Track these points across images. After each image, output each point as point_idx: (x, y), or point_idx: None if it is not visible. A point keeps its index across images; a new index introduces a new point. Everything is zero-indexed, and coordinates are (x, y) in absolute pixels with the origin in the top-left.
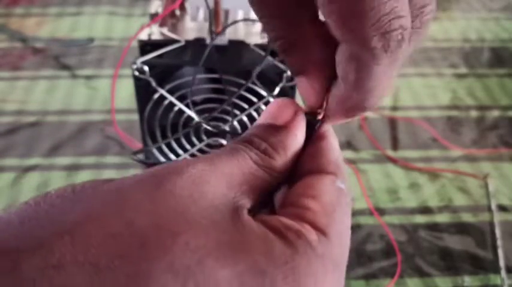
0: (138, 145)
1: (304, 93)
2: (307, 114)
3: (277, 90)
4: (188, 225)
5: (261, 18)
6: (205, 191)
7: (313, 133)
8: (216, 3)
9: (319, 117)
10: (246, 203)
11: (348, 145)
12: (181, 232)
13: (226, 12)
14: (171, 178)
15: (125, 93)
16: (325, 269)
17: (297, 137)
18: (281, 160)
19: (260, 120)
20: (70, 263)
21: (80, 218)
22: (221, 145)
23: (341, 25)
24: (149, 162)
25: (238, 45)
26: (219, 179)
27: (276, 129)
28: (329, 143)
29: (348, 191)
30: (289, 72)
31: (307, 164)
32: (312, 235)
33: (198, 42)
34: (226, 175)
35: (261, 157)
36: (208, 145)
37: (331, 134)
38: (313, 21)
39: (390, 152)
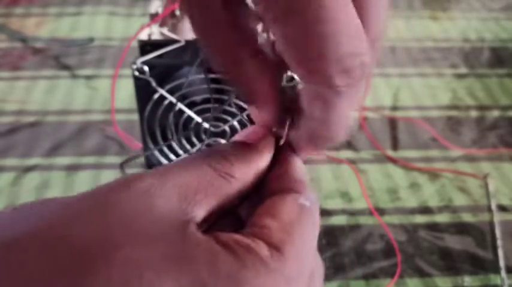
0: (138, 145)
1: (257, 120)
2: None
3: None
4: (131, 237)
5: (205, 47)
6: (153, 204)
7: (278, 157)
8: None
9: (281, 141)
10: (198, 214)
11: (348, 144)
12: (123, 245)
13: None
14: (118, 192)
15: (125, 93)
16: (276, 285)
17: (262, 155)
18: (241, 169)
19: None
20: (3, 279)
21: (17, 234)
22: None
23: (305, 68)
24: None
25: None
26: (169, 191)
27: (242, 144)
28: (292, 163)
29: (314, 209)
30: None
31: (271, 186)
32: (263, 250)
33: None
34: (178, 185)
35: (219, 161)
36: (208, 145)
37: (294, 156)
38: (255, 56)
39: (390, 152)
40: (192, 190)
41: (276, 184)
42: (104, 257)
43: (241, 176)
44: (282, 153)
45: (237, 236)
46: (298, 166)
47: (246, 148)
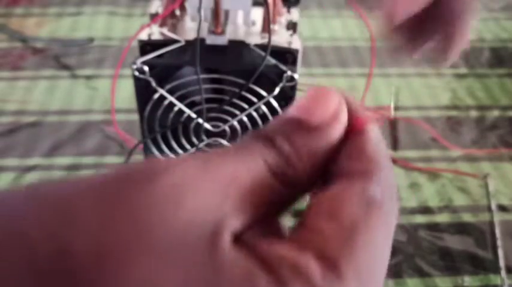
0: (139, 145)
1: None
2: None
3: (277, 90)
4: (147, 251)
5: None
6: (186, 203)
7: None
8: (216, 3)
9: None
10: (237, 222)
11: None
12: (133, 262)
13: (227, 13)
14: (136, 186)
15: (125, 93)
16: None
17: (332, 140)
18: (305, 171)
19: (290, 112)
20: None
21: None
22: (221, 145)
23: None
24: None
25: (238, 45)
26: (210, 187)
27: (308, 130)
28: (368, 137)
29: (389, 202)
30: (289, 73)
31: (335, 168)
32: (314, 271)
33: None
34: (223, 181)
35: (280, 164)
36: (208, 145)
37: (373, 128)
38: None
39: (390, 152)
40: (239, 190)
41: (342, 167)
42: (105, 275)
43: (303, 181)
44: (354, 120)
45: (282, 249)
46: (375, 140)
47: (314, 137)
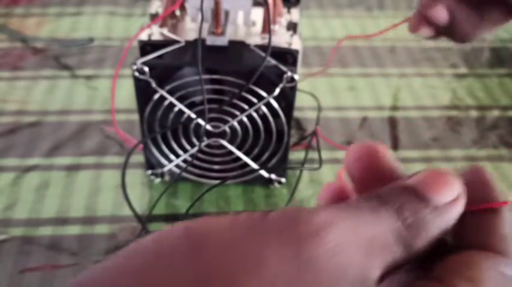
0: (138, 145)
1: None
2: None
3: (277, 91)
4: None
5: None
6: (345, 263)
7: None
8: (217, 3)
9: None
10: (377, 273)
11: (348, 145)
12: None
13: (227, 13)
14: (311, 242)
15: (125, 93)
16: None
17: (450, 222)
18: (424, 241)
19: (416, 181)
20: None
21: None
22: (221, 146)
23: None
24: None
25: (239, 46)
26: (360, 247)
27: (431, 206)
28: (503, 217)
29: None
30: (289, 73)
31: (468, 237)
32: None
33: None
34: (367, 241)
35: (403, 233)
36: (209, 145)
37: (507, 209)
38: None
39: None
40: (376, 250)
41: (475, 238)
42: None
43: (421, 249)
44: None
45: None
46: (507, 217)
47: (436, 213)
